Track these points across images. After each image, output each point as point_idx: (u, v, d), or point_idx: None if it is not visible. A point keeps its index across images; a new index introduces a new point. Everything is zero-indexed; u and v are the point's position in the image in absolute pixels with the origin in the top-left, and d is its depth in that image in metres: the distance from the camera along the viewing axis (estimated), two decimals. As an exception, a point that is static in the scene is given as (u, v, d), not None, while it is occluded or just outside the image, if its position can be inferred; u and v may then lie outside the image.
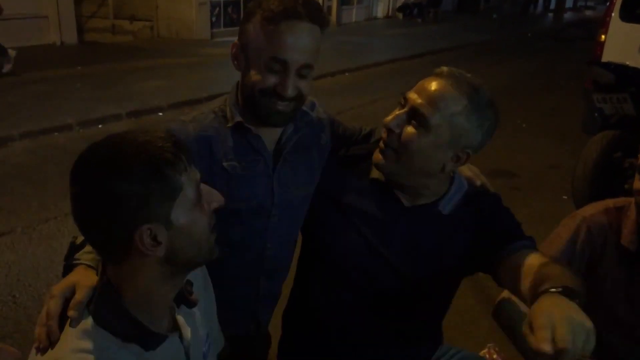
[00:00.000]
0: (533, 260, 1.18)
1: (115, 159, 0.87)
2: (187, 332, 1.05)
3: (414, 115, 1.24)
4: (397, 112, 1.27)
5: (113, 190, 0.86)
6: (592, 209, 1.61)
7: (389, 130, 1.27)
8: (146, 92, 7.70)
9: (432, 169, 1.28)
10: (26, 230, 3.90)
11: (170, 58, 10.28)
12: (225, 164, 1.32)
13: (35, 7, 10.62)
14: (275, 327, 1.65)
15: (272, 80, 1.23)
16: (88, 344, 0.90)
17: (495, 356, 1.88)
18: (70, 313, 0.95)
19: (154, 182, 0.87)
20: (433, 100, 1.22)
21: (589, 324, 0.90)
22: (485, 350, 1.90)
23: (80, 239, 1.13)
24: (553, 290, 0.99)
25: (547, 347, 0.85)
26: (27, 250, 3.63)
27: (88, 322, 0.93)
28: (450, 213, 1.35)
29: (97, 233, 0.91)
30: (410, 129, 1.24)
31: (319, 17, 1.23)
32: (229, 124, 1.32)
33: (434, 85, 1.24)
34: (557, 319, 0.88)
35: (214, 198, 1.00)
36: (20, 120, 6.17)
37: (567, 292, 0.98)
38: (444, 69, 1.27)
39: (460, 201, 1.37)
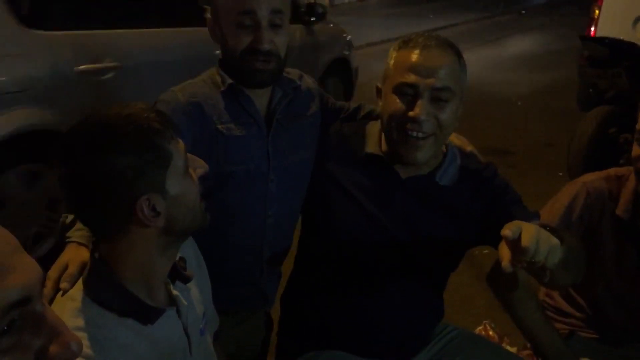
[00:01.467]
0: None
1: (105, 134, 0.88)
2: (184, 307, 1.05)
3: (437, 95, 1.24)
4: (415, 103, 1.25)
5: (108, 165, 0.86)
6: (593, 176, 1.62)
7: (423, 122, 1.24)
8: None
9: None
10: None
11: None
12: (219, 126, 1.33)
13: None
14: (275, 312, 1.66)
15: (246, 39, 1.27)
16: (82, 322, 0.91)
17: (491, 332, 1.90)
18: (63, 285, 0.96)
19: (147, 152, 0.88)
20: (441, 72, 1.24)
21: (555, 241, 0.97)
22: (481, 327, 1.92)
23: (70, 217, 1.14)
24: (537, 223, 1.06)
25: (509, 233, 0.94)
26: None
27: (84, 300, 0.93)
28: (449, 185, 1.36)
29: (93, 212, 0.91)
30: (438, 111, 1.25)
31: None
32: (222, 88, 1.34)
33: (431, 59, 1.24)
34: (527, 226, 0.97)
35: (198, 164, 1.01)
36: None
37: (548, 228, 1.04)
38: (418, 39, 1.28)
39: (458, 173, 1.37)
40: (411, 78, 1.23)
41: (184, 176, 0.95)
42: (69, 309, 0.93)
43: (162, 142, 0.91)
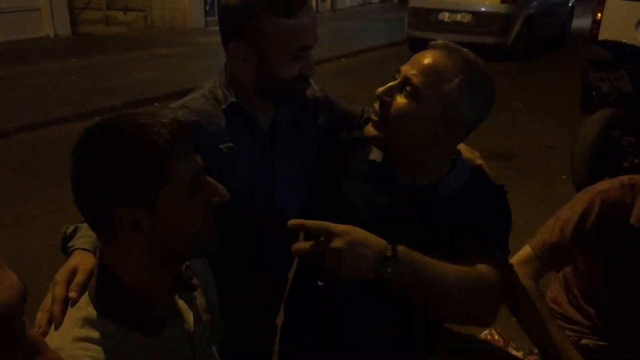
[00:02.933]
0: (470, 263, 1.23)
1: (110, 136, 0.88)
2: (189, 316, 1.04)
3: (406, 86, 1.24)
4: (390, 83, 1.27)
5: (96, 166, 0.87)
6: (607, 184, 1.59)
7: (381, 101, 1.26)
8: (141, 82, 7.66)
9: (424, 141, 1.27)
10: (25, 223, 3.90)
11: (165, 48, 10.21)
12: (221, 145, 1.31)
13: (28, 0, 10.54)
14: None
15: (298, 66, 1.28)
16: (90, 332, 0.90)
17: (496, 337, 1.89)
18: (72, 295, 0.95)
19: (141, 166, 0.86)
20: (425, 70, 1.22)
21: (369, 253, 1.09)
22: (486, 332, 1.91)
23: (71, 228, 1.14)
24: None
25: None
26: (26, 243, 3.63)
27: (89, 309, 0.92)
28: (449, 196, 1.34)
29: (83, 208, 0.92)
30: (400, 99, 1.24)
31: None
32: (223, 106, 1.32)
33: (427, 57, 1.24)
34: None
35: (217, 192, 0.96)
36: (16, 113, 6.15)
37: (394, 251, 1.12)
38: (439, 42, 1.28)
39: (462, 186, 1.34)
40: (404, 66, 1.27)
41: (187, 198, 0.91)
42: (74, 317, 0.92)
43: (163, 160, 0.88)
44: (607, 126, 4.14)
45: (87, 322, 0.91)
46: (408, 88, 1.23)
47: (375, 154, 1.36)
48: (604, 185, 1.59)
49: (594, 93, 4.39)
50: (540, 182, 4.70)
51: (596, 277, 1.66)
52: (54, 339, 0.91)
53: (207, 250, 1.00)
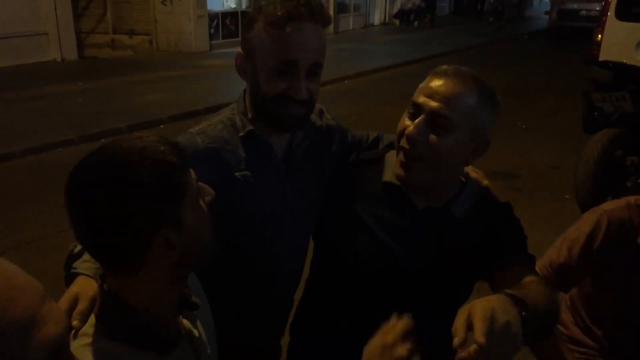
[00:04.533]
0: (525, 277, 1.21)
1: (121, 168, 0.86)
2: (195, 334, 1.04)
3: (435, 120, 1.23)
4: (414, 121, 1.25)
5: (125, 201, 0.84)
6: (613, 204, 1.60)
7: (413, 141, 1.24)
8: (147, 105, 7.74)
9: (457, 167, 1.31)
10: (30, 245, 3.91)
11: (170, 71, 10.33)
12: (237, 173, 1.31)
13: (35, 24, 10.71)
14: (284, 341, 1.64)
15: (283, 85, 1.23)
16: (98, 358, 0.88)
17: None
18: (75, 323, 0.94)
19: (164, 186, 0.87)
20: (449, 100, 1.22)
21: (515, 330, 0.92)
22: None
23: (78, 248, 1.13)
24: (507, 292, 1.02)
25: (457, 342, 0.89)
26: (31, 265, 3.63)
27: (94, 334, 0.91)
28: (462, 217, 1.35)
29: (107, 247, 0.88)
30: (435, 134, 1.23)
31: (321, 17, 1.25)
32: (241, 133, 1.32)
33: (444, 86, 1.24)
34: (479, 313, 0.90)
35: (207, 192, 1.00)
36: (22, 136, 6.21)
37: (515, 299, 0.99)
38: (444, 67, 1.28)
39: (472, 206, 1.36)
40: (419, 99, 1.25)
41: (197, 207, 0.94)
42: (83, 345, 0.91)
43: (178, 175, 0.89)
44: (609, 146, 4.15)
45: (97, 348, 0.90)
46: (440, 121, 1.23)
47: (390, 176, 1.36)
48: (610, 205, 1.60)
49: (596, 113, 4.42)
50: (544, 202, 4.70)
51: (603, 297, 1.65)
52: None
53: (214, 253, 1.01)
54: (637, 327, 1.60)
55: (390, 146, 1.49)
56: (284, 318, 1.58)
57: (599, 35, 5.96)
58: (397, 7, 19.87)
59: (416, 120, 1.24)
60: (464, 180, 1.38)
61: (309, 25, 1.22)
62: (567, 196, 4.55)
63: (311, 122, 1.41)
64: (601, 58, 5.67)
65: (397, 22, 19.73)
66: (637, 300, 1.57)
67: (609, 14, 5.93)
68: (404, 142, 1.26)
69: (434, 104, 1.22)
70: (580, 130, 4.93)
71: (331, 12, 16.86)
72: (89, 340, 0.91)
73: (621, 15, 5.89)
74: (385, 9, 19.94)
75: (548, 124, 7.19)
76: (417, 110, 1.25)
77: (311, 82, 1.26)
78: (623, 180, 4.14)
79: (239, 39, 1.35)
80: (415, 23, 19.15)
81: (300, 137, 1.38)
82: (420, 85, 1.29)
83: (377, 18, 19.80)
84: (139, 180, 0.85)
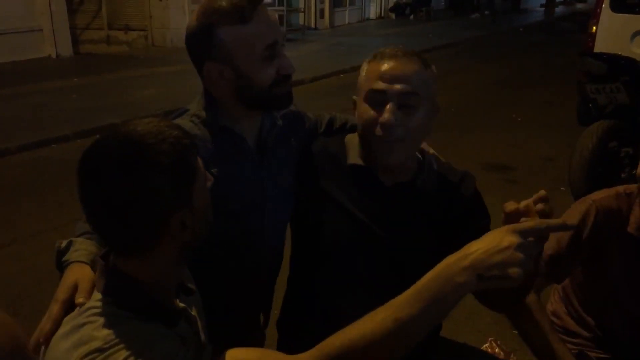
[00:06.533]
0: None
1: (139, 151, 0.86)
2: (192, 314, 1.06)
3: (404, 100, 1.28)
4: (382, 109, 1.28)
5: (144, 183, 0.85)
6: (602, 193, 1.61)
7: (390, 128, 1.27)
8: (142, 100, 7.72)
9: (421, 140, 1.39)
10: (26, 241, 3.91)
11: (165, 66, 10.29)
12: (213, 170, 1.29)
13: (30, 20, 10.67)
14: (271, 338, 1.64)
15: (273, 69, 1.28)
16: (116, 324, 0.88)
17: (497, 350, 1.88)
18: (79, 300, 0.96)
19: (180, 168, 0.89)
20: (410, 78, 1.28)
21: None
22: (487, 345, 1.90)
23: (65, 242, 1.13)
24: None
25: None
26: (27, 261, 3.63)
27: (106, 307, 0.90)
28: (430, 191, 1.39)
29: (124, 230, 0.88)
30: (406, 116, 1.28)
31: None
32: (211, 129, 1.32)
33: (401, 67, 1.29)
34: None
35: (208, 177, 1.02)
36: (17, 132, 6.19)
37: None
38: (388, 50, 1.33)
39: (437, 181, 1.41)
40: (380, 85, 1.29)
41: (204, 189, 0.96)
42: (91, 314, 0.90)
43: (192, 158, 0.92)
44: (604, 138, 4.16)
45: (107, 313, 0.89)
46: (409, 100, 1.28)
47: (354, 158, 1.40)
48: (599, 194, 1.61)
49: (590, 105, 4.42)
50: (539, 194, 4.70)
51: (594, 286, 1.66)
52: (93, 336, 0.87)
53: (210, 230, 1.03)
54: (630, 315, 1.61)
55: (344, 127, 1.58)
56: (267, 307, 1.61)
57: (594, 27, 5.96)
58: (392, 0, 19.85)
59: (387, 107, 1.28)
60: (420, 156, 1.43)
61: (262, 5, 1.27)
62: (562, 188, 4.56)
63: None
64: (596, 50, 5.67)
65: (393, 15, 19.72)
66: (628, 288, 1.58)
67: (603, 5, 5.93)
68: (378, 131, 1.29)
69: (398, 86, 1.28)
70: (575, 122, 4.93)
71: (327, 6, 16.84)
72: (97, 310, 0.90)
73: (615, 7, 5.89)
74: (381, 2, 19.93)
75: (543, 116, 7.20)
76: (379, 96, 1.29)
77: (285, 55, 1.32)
78: (618, 171, 4.16)
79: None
80: (411, 16, 19.15)
81: (268, 124, 1.41)
82: (367, 73, 1.33)
83: (373, 12, 19.78)
84: (158, 162, 0.86)
